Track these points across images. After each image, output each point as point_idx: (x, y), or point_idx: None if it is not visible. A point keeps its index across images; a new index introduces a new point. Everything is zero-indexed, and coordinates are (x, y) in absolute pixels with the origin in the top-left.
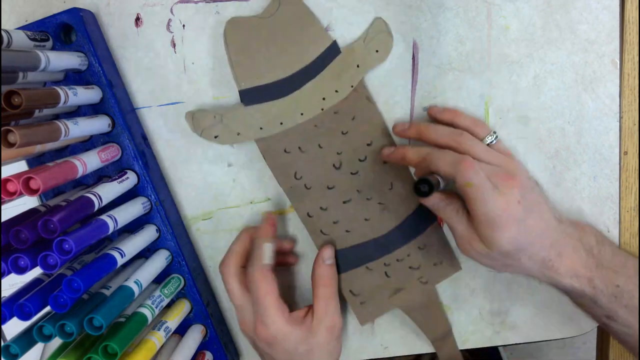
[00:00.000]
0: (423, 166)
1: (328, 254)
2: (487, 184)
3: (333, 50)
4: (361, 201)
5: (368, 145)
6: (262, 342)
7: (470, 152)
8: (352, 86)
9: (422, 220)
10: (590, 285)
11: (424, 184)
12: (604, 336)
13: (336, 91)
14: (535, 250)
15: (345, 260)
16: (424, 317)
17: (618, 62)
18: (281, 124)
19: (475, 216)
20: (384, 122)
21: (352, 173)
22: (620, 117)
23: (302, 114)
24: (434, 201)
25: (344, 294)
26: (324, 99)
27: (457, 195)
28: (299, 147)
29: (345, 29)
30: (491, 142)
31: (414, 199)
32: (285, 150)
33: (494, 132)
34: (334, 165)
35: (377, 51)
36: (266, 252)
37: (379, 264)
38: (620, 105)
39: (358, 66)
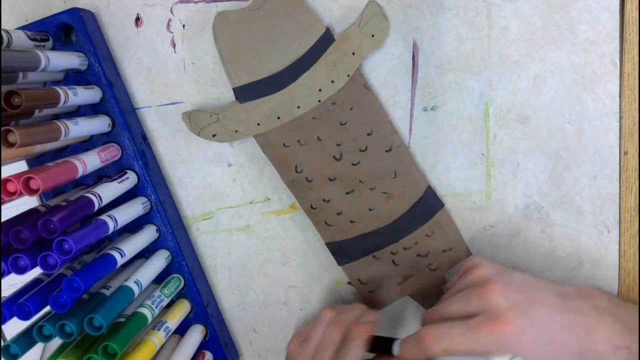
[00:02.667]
0: None
1: None
2: (457, 334)
3: (327, 39)
4: (364, 191)
5: (368, 134)
6: None
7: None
8: (348, 75)
9: (429, 208)
10: (632, 354)
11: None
12: None
13: (332, 81)
14: (559, 342)
15: (351, 250)
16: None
17: (618, 62)
18: (278, 118)
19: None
20: (383, 110)
21: (353, 164)
22: (620, 117)
23: (298, 107)
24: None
25: (352, 283)
26: (320, 90)
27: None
28: (298, 141)
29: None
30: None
31: (420, 186)
32: (284, 145)
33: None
34: (334, 157)
35: (372, 36)
36: None
37: (386, 252)
38: (620, 105)
39: (354, 53)
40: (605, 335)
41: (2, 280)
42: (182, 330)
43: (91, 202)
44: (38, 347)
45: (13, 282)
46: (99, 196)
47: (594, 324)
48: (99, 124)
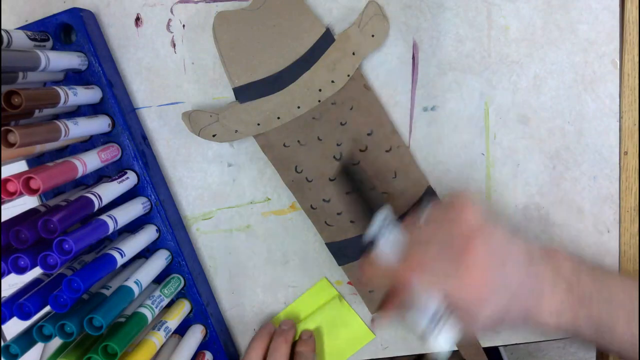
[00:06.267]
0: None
1: None
2: (434, 279)
3: (327, 39)
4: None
5: (368, 135)
6: None
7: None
8: (348, 75)
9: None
10: (575, 324)
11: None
12: None
13: (332, 81)
14: (519, 300)
15: (351, 250)
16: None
17: (618, 62)
18: (278, 118)
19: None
20: (383, 110)
21: (353, 164)
22: (620, 117)
23: (299, 107)
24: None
25: (352, 283)
26: (320, 90)
27: None
28: (298, 141)
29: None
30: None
31: (419, 186)
32: (284, 145)
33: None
34: (334, 157)
35: (372, 36)
36: None
37: None
38: (620, 105)
39: (354, 53)
40: (553, 308)
41: (2, 280)
42: (182, 330)
43: (91, 202)
44: (38, 347)
45: (13, 282)
46: (99, 196)
47: (547, 288)
48: (99, 124)
